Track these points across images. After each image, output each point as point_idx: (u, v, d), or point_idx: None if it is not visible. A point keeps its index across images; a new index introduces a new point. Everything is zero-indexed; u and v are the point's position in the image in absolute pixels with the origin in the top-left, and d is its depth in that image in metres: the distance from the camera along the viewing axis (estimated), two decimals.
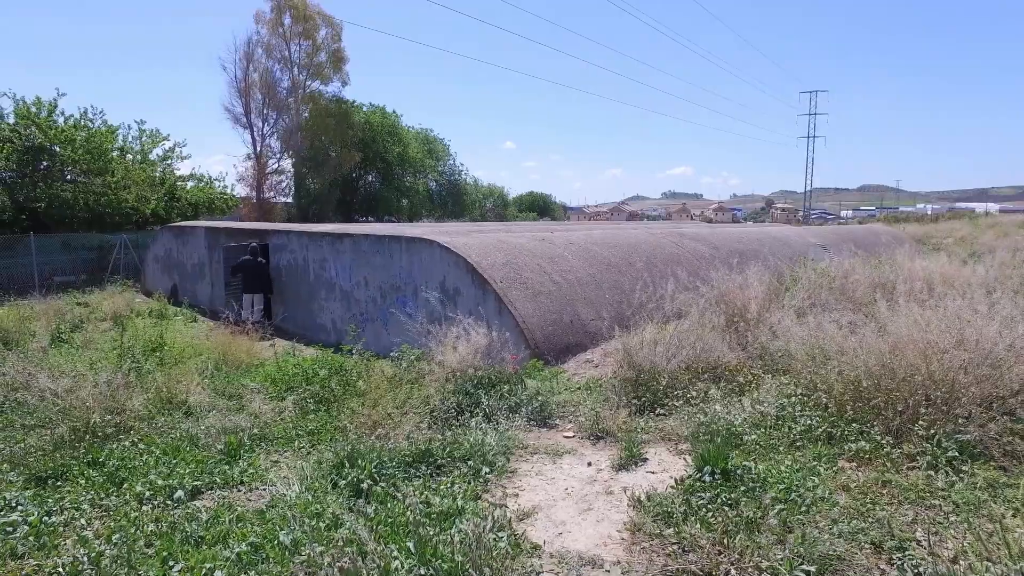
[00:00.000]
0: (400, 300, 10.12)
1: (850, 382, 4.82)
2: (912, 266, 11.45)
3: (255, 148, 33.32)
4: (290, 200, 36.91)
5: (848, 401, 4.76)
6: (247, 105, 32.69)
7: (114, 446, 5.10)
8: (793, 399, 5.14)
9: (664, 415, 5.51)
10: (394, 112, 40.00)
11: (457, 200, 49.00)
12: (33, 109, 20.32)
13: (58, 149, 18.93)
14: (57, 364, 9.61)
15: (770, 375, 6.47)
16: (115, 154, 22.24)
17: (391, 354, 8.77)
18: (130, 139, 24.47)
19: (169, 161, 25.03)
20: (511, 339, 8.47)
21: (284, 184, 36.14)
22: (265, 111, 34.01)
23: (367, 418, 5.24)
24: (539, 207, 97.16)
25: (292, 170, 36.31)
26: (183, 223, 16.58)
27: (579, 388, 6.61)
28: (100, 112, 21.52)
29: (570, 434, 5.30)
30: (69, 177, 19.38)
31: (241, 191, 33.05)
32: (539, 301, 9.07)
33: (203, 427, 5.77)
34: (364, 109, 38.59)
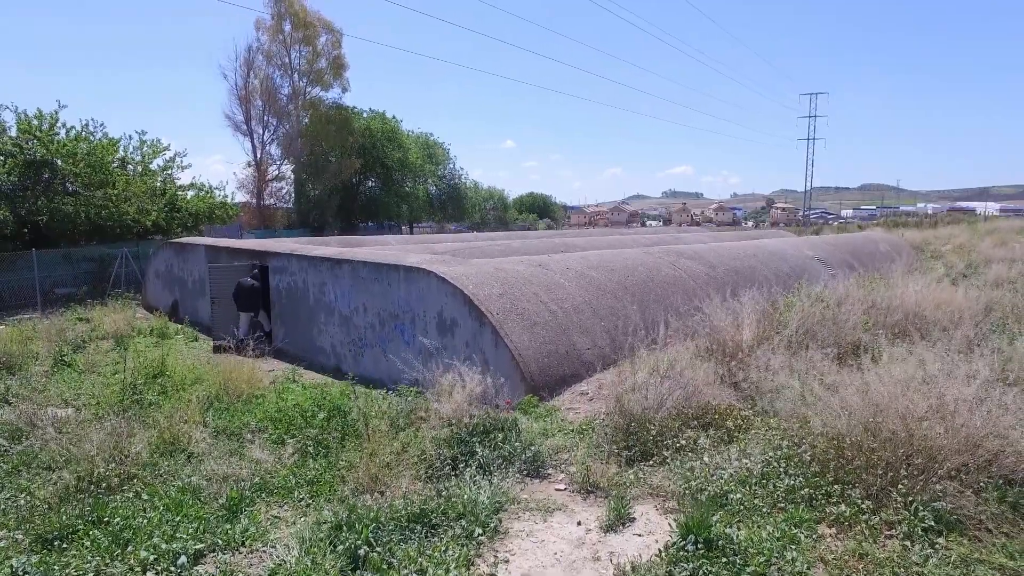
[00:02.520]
0: (399, 328, 10.26)
1: (832, 439, 4.96)
2: (905, 291, 11.56)
3: (255, 155, 33.48)
4: (290, 206, 37.09)
5: (831, 459, 4.90)
6: (247, 112, 32.85)
7: (118, 498, 5.25)
8: (779, 453, 5.27)
9: (654, 465, 5.65)
10: (394, 117, 40.17)
11: (457, 204, 49.22)
12: (35, 122, 20.49)
13: (60, 162, 19.05)
14: (60, 392, 9.79)
15: (759, 417, 6.63)
16: (115, 166, 22.40)
17: (389, 391, 8.91)
18: (131, 149, 24.64)
19: (169, 171, 25.17)
20: (507, 373, 8.62)
21: (284, 191, 36.31)
22: (265, 118, 34.18)
23: (365, 471, 5.38)
24: (539, 208, 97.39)
25: (292, 176, 36.47)
26: (184, 240, 16.72)
27: (572, 431, 6.74)
28: (101, 125, 21.72)
29: (562, 486, 5.44)
30: (71, 189, 19.49)
31: (241, 198, 33.23)
32: (535, 332, 9.20)
33: (205, 473, 5.93)
34: (364, 115, 38.71)
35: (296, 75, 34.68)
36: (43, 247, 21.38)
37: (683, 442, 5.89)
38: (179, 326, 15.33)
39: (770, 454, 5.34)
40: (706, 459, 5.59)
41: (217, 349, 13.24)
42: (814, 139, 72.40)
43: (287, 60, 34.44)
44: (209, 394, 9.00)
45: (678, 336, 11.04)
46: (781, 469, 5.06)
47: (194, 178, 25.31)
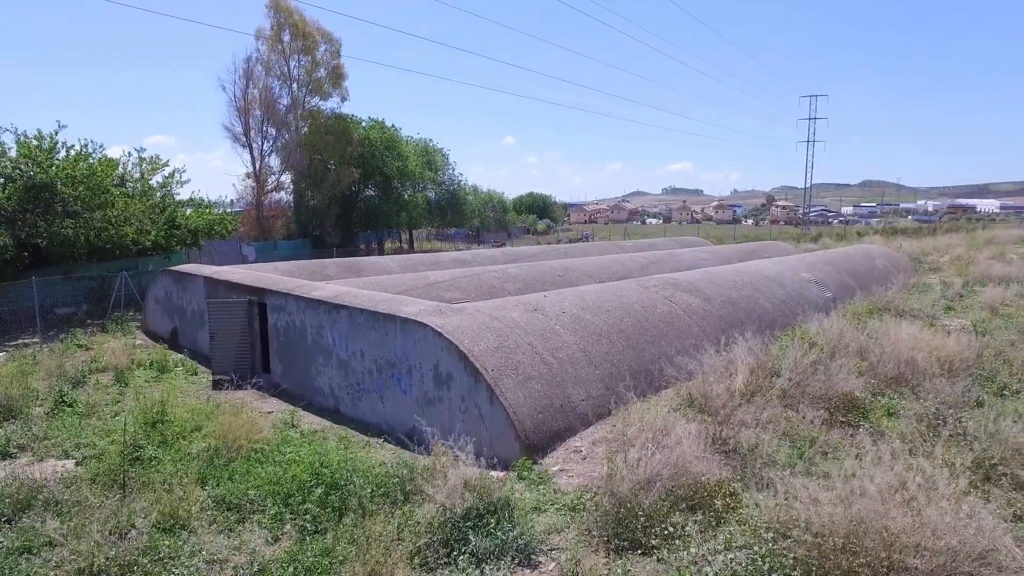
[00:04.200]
0: (395, 376, 10.37)
1: (814, 545, 5.07)
2: (899, 335, 11.66)
3: (255, 167, 33.48)
4: (290, 216, 37.12)
5: (814, 565, 5.01)
6: (247, 124, 32.82)
7: None
8: (764, 549, 5.38)
9: (643, 556, 5.77)
10: (393, 126, 40.15)
11: (457, 210, 49.29)
12: (34, 143, 20.55)
13: (60, 185, 19.08)
14: (60, 441, 9.89)
15: (749, 491, 6.76)
16: (115, 184, 22.47)
17: (387, 443, 9.00)
18: (130, 166, 24.73)
19: (168, 187, 25.23)
20: (502, 430, 8.75)
21: (284, 201, 36.32)
22: (265, 128, 34.17)
23: (362, 567, 5.49)
24: (538, 208, 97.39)
25: (292, 185, 36.51)
26: (183, 269, 16.79)
27: (564, 506, 6.86)
28: (100, 146, 21.78)
29: None
30: (71, 211, 19.50)
31: (240, 206, 33.27)
32: (529, 387, 9.31)
33: (205, 556, 6.06)
34: (363, 124, 38.70)
35: (295, 85, 34.67)
36: (42, 268, 21.48)
37: (671, 529, 6.01)
38: (179, 357, 15.44)
39: (755, 548, 5.45)
40: (693, 550, 5.71)
41: (216, 385, 13.37)
42: (814, 141, 72.31)
43: (286, 70, 34.42)
44: (209, 447, 9.12)
45: (672, 381, 11.18)
46: (765, 569, 5.18)
47: (193, 193, 25.37)
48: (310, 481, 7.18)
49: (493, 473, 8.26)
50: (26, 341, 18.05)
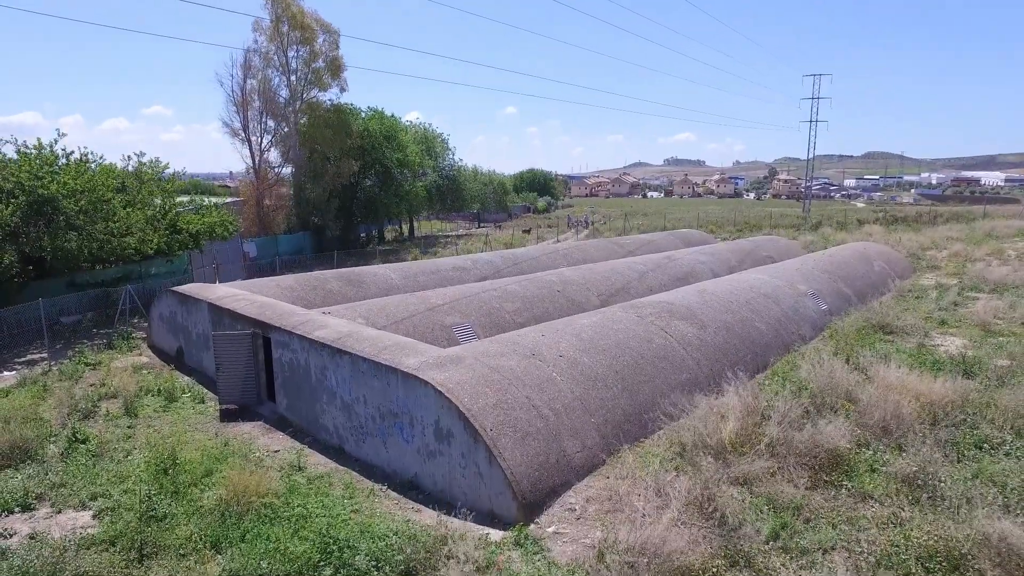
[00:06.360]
0: (398, 426, 10.73)
1: None
2: (887, 378, 11.99)
3: (254, 161, 33.37)
4: (289, 206, 37.13)
5: None
6: (245, 118, 32.61)
7: None
8: None
9: None
10: (392, 115, 39.84)
11: (457, 195, 49.23)
12: (34, 152, 20.62)
13: (62, 199, 19.19)
14: (76, 490, 10.31)
15: (732, 571, 7.20)
16: (118, 189, 22.56)
17: (390, 490, 9.36)
18: (130, 168, 24.74)
19: (169, 192, 25.28)
20: (500, 490, 9.14)
21: (283, 192, 36.29)
22: (264, 120, 33.95)
23: None
24: (539, 185, 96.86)
25: (292, 179, 36.44)
26: (186, 291, 16.99)
27: None
28: (100, 157, 21.79)
29: None
30: (74, 223, 19.62)
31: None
32: (527, 445, 9.67)
33: None
34: (362, 115, 38.40)
35: (294, 77, 34.30)
36: (46, 277, 21.74)
37: None
38: (186, 381, 15.79)
39: None
40: None
41: (224, 415, 13.79)
42: (816, 121, 71.51)
43: (284, 61, 34.00)
44: (220, 499, 9.53)
45: (665, 424, 11.57)
46: None
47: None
48: (320, 559, 7.59)
49: (492, 534, 8.72)
50: (33, 357, 18.41)
